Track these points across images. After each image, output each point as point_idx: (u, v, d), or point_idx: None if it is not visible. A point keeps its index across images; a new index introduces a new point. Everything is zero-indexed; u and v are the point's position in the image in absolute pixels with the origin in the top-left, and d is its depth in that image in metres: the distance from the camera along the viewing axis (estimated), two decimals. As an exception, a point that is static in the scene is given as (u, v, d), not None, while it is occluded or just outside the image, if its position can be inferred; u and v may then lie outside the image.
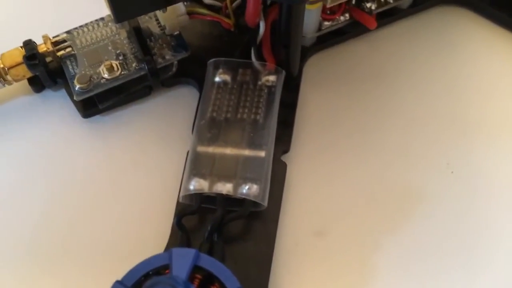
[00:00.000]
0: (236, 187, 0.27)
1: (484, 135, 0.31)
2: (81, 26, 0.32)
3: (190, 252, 0.23)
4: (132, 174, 0.30)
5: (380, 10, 0.33)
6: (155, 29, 0.31)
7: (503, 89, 0.32)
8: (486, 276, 0.27)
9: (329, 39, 0.33)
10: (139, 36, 0.31)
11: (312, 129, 0.31)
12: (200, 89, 0.31)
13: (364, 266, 0.27)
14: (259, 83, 0.30)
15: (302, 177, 0.30)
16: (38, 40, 0.31)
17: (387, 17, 0.34)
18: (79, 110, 0.31)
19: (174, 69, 0.32)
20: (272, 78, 0.30)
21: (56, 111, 0.32)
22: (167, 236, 0.27)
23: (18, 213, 0.29)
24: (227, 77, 0.30)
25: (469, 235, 0.28)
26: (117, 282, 0.22)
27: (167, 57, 0.31)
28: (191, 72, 0.32)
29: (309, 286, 0.27)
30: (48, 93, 0.32)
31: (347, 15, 0.32)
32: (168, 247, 0.26)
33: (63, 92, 0.32)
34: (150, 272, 0.23)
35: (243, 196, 0.26)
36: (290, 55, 0.30)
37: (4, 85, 0.31)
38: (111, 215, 0.29)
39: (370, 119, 0.32)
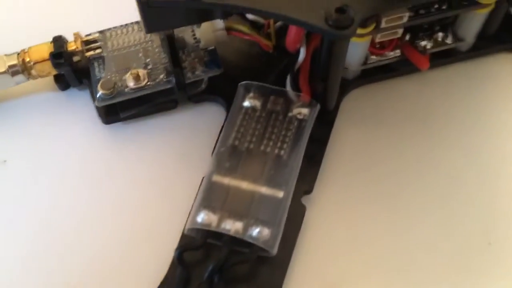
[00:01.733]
0: (246, 228, 0.24)
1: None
2: (115, 28, 0.31)
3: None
4: (144, 190, 0.28)
5: (435, 50, 0.30)
6: (190, 41, 0.30)
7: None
8: None
9: (374, 74, 0.30)
10: (172, 47, 0.29)
11: (340, 171, 0.29)
12: (228, 109, 0.29)
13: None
14: (290, 114, 0.28)
15: (322, 222, 0.27)
16: (70, 37, 0.30)
17: (442, 58, 0.31)
18: (100, 115, 0.30)
19: (203, 85, 0.30)
20: (305, 111, 0.28)
21: (78, 112, 0.31)
22: (166, 266, 0.25)
23: (26, 208, 0.28)
24: (257, 103, 0.28)
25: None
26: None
27: (197, 72, 0.29)
28: (221, 90, 0.30)
29: None
30: (73, 92, 0.31)
31: (397, 51, 0.30)
32: (165, 281, 0.25)
33: (88, 93, 0.31)
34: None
35: (252, 241, 0.24)
36: (328, 88, 0.28)
37: (28, 79, 0.30)
38: (113, 229, 0.27)
39: (407, 169, 0.29)
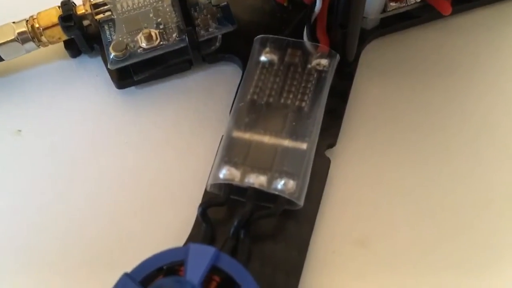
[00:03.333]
0: (270, 181, 0.24)
1: None
2: (124, -10, 0.30)
3: (209, 251, 0.20)
4: (162, 153, 0.28)
5: (458, -6, 0.29)
6: (202, -2, 0.29)
7: None
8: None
9: (394, 23, 0.29)
10: (183, 4, 0.28)
11: (364, 123, 0.28)
12: (244, 68, 0.28)
13: (406, 286, 0.24)
14: (309, 66, 0.27)
15: (347, 176, 0.26)
16: (78, 1, 0.29)
17: (466, 2, 0.29)
18: (113, 79, 0.29)
19: (217, 43, 0.29)
20: (324, 62, 0.27)
21: (90, 79, 0.30)
22: (190, 225, 0.25)
23: (42, 177, 0.28)
24: (274, 57, 0.27)
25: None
26: (126, 274, 0.20)
27: (211, 29, 0.28)
28: (236, 48, 0.29)
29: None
30: (84, 58, 0.30)
31: (417, -3, 0.28)
32: (190, 239, 0.24)
33: (99, 59, 0.30)
34: (164, 267, 0.21)
35: (277, 192, 0.23)
36: (348, 37, 0.26)
37: (39, 46, 0.29)
38: (135, 194, 0.27)
39: (433, 119, 0.28)
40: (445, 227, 0.25)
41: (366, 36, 0.29)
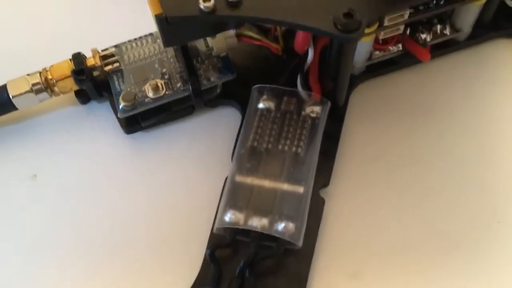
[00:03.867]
0: (271, 224, 0.26)
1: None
2: (130, 41, 0.32)
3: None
4: (169, 195, 0.30)
5: (435, 42, 0.31)
6: (202, 49, 0.31)
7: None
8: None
9: (378, 69, 0.32)
10: (186, 56, 0.30)
11: (354, 163, 0.30)
12: (243, 112, 0.31)
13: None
14: (303, 113, 0.29)
15: (340, 213, 0.29)
16: (87, 52, 0.31)
17: (442, 49, 0.32)
18: (122, 126, 0.31)
19: (218, 90, 0.31)
20: (317, 109, 0.29)
21: (100, 124, 0.32)
22: (197, 264, 0.27)
23: (52, 221, 0.30)
24: (271, 104, 0.30)
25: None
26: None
27: (212, 79, 0.31)
28: (235, 94, 0.32)
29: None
30: (93, 105, 0.33)
31: (399, 45, 0.31)
32: (198, 279, 0.26)
33: (108, 105, 0.32)
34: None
35: (278, 235, 0.26)
36: (338, 87, 0.29)
37: (51, 96, 0.31)
38: (144, 234, 0.29)
39: (417, 156, 0.30)
40: (430, 255, 0.28)
41: (354, 81, 0.32)
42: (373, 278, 0.27)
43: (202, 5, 0.25)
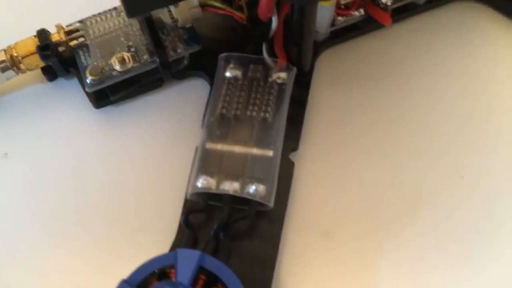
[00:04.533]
0: (243, 187, 0.27)
1: (495, 139, 0.31)
2: (94, 16, 0.32)
3: (195, 254, 0.23)
4: (142, 166, 0.30)
5: (396, 5, 0.32)
6: (168, 21, 0.31)
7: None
8: (490, 277, 0.27)
9: (342, 34, 0.33)
10: (151, 28, 0.31)
11: (321, 127, 0.31)
12: (211, 82, 0.31)
13: (369, 269, 0.27)
14: (270, 80, 0.30)
15: (310, 176, 0.30)
16: (52, 29, 0.31)
17: (403, 12, 0.33)
18: (91, 100, 0.31)
19: (185, 61, 0.32)
20: (283, 75, 0.30)
21: (68, 100, 0.32)
22: (173, 230, 0.28)
23: (25, 198, 0.30)
24: (238, 73, 0.30)
25: (475, 241, 0.28)
26: (124, 281, 0.23)
27: (179, 50, 0.31)
28: (202, 65, 0.32)
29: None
30: (61, 81, 0.33)
31: (361, 10, 0.32)
32: (175, 244, 0.27)
33: (75, 81, 0.32)
34: (156, 271, 0.24)
35: (250, 197, 0.26)
36: (302, 53, 0.30)
37: (17, 73, 0.31)
38: (119, 207, 0.29)
39: (382, 119, 0.31)
40: (398, 213, 0.29)
41: (319, 47, 0.32)
42: (343, 236, 0.28)
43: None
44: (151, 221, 0.29)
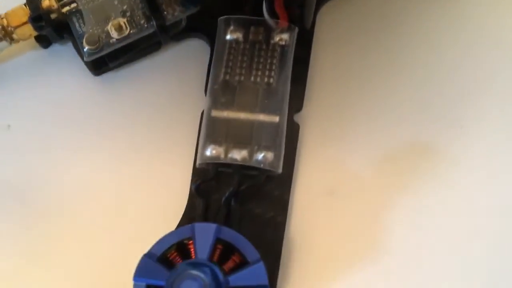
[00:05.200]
0: (251, 155, 0.27)
1: (495, 92, 0.31)
2: (84, -23, 0.31)
3: (212, 227, 0.24)
4: (146, 132, 0.30)
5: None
6: (163, -19, 0.30)
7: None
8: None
9: (342, -13, 0.32)
10: (147, -9, 0.30)
11: (324, 85, 0.31)
12: (210, 43, 0.31)
13: (374, 223, 0.29)
14: (272, 42, 0.29)
15: (314, 136, 0.30)
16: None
17: (404, -39, 0.32)
18: (89, 69, 0.31)
19: (183, 23, 0.31)
20: (285, 36, 0.29)
21: (65, 67, 0.32)
22: (184, 198, 0.28)
23: (26, 169, 0.30)
24: (239, 35, 0.30)
25: (480, 195, 0.30)
26: (145, 255, 0.24)
27: (176, 13, 0.30)
28: (200, 26, 0.31)
29: (320, 245, 0.28)
30: (55, 48, 0.32)
31: (362, -38, 0.31)
32: (187, 211, 0.28)
33: (70, 47, 0.31)
34: (175, 244, 0.25)
35: (259, 165, 0.27)
36: (304, 11, 0.29)
37: (11, 44, 0.30)
38: (125, 176, 0.30)
39: (386, 71, 0.31)
40: (402, 170, 0.30)
41: (319, 3, 0.32)
42: (351, 193, 0.29)
43: None
44: (160, 190, 0.29)
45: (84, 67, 0.31)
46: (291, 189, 0.29)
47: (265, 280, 0.24)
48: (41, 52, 0.32)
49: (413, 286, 0.28)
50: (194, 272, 0.22)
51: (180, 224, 0.27)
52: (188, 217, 0.28)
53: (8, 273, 0.28)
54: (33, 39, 0.31)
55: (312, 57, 0.31)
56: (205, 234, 0.24)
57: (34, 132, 0.30)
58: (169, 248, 0.24)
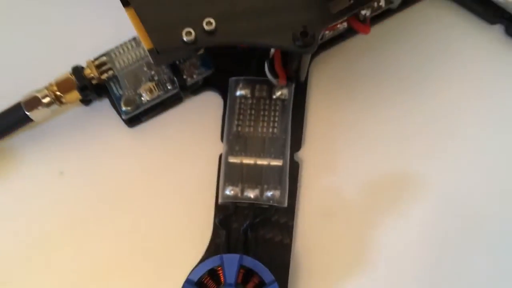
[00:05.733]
0: (262, 193, 0.34)
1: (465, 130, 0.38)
2: (116, 47, 0.37)
3: (236, 257, 0.31)
4: (172, 175, 0.37)
5: (373, 15, 0.38)
6: (182, 49, 0.37)
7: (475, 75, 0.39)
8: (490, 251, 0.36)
9: (330, 43, 0.38)
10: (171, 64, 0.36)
11: (319, 127, 0.38)
12: (222, 94, 0.38)
13: (364, 241, 0.36)
14: (274, 97, 0.36)
15: (312, 170, 0.37)
16: (79, 60, 0.36)
17: (380, 18, 0.39)
18: (125, 123, 0.38)
19: (200, 82, 0.37)
20: (284, 91, 0.36)
21: (104, 121, 0.38)
22: (209, 230, 0.35)
23: (88, 211, 0.37)
24: (247, 91, 0.36)
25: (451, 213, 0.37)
26: (186, 281, 0.31)
27: (195, 76, 0.36)
28: (214, 82, 0.38)
29: (320, 259, 0.36)
30: (95, 104, 0.38)
31: (345, 23, 0.37)
32: (212, 241, 0.35)
33: (107, 103, 0.38)
34: (207, 271, 0.32)
35: (268, 203, 0.34)
36: (300, 69, 0.36)
37: (61, 106, 0.37)
38: (157, 212, 0.36)
39: (369, 113, 0.38)
40: (386, 202, 0.37)
41: (311, 58, 0.38)
42: (340, 215, 0.36)
43: (185, 38, 0.30)
44: (189, 224, 0.36)
45: (120, 120, 0.38)
46: (295, 215, 0.36)
47: (279, 297, 0.31)
48: (84, 108, 0.38)
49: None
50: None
51: (207, 251, 0.35)
52: (214, 244, 0.35)
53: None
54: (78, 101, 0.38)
55: (307, 102, 0.38)
56: (231, 262, 0.31)
57: (83, 177, 0.37)
58: (203, 274, 0.32)
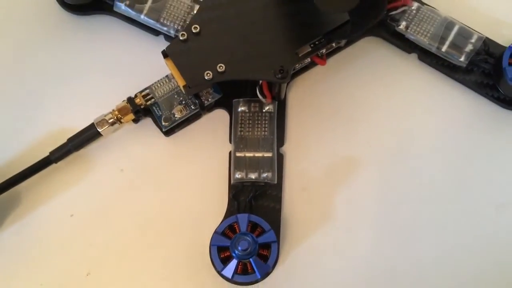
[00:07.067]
0: (259, 175, 0.52)
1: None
2: (155, 83, 0.54)
3: (246, 215, 0.49)
4: (199, 169, 0.55)
5: (328, 51, 0.56)
6: (200, 81, 0.54)
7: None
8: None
9: (298, 71, 0.56)
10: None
11: (296, 129, 0.56)
12: (229, 112, 0.55)
13: (331, 204, 0.54)
14: (264, 111, 0.54)
15: (293, 158, 0.55)
16: (131, 93, 0.54)
17: (332, 52, 0.57)
18: (164, 134, 0.55)
19: (213, 103, 0.55)
20: (270, 107, 0.54)
21: (149, 133, 0.55)
22: (225, 201, 0.53)
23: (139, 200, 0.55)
24: (246, 108, 0.54)
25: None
26: (215, 232, 0.49)
27: (209, 99, 0.54)
28: (222, 102, 0.56)
29: (301, 220, 0.53)
30: (142, 122, 0.56)
31: (309, 58, 0.55)
32: (228, 210, 0.52)
33: (150, 121, 0.55)
34: (228, 225, 0.50)
35: (264, 181, 0.52)
36: (280, 91, 0.54)
37: (120, 124, 0.54)
38: (190, 194, 0.54)
39: (330, 118, 0.56)
40: (341, 173, 0.55)
41: (288, 83, 0.56)
42: (316, 190, 0.54)
43: (206, 77, 0.48)
44: (211, 198, 0.54)
45: (160, 132, 0.55)
46: (282, 189, 0.54)
47: (275, 239, 0.49)
48: (135, 125, 0.56)
49: (356, 244, 0.53)
50: (244, 237, 0.47)
51: (226, 215, 0.52)
52: (230, 210, 0.52)
53: None
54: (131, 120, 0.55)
55: (287, 113, 0.56)
56: (243, 219, 0.49)
57: (138, 172, 0.55)
58: (225, 228, 0.49)
